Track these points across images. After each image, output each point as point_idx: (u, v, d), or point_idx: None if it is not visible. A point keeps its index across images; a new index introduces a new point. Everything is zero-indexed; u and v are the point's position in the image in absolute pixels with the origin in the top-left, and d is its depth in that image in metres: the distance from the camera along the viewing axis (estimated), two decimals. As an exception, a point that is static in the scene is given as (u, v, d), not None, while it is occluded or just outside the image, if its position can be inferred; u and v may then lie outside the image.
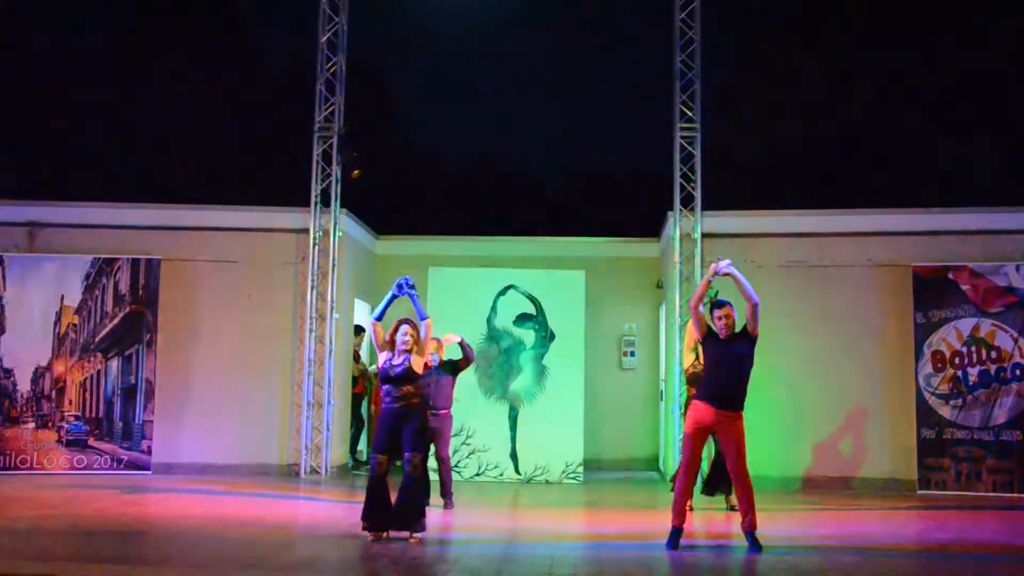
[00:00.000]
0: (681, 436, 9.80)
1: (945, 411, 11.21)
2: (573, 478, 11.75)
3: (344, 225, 12.51)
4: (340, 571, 6.66)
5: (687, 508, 7.74)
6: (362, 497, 7.88)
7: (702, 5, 12.08)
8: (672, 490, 8.68)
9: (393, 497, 7.69)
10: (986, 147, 19.26)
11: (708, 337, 7.58)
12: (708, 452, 9.65)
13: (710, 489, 9.64)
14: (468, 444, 11.80)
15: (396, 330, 7.83)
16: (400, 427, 7.69)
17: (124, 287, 12.00)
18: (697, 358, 9.40)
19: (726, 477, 8.92)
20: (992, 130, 19.39)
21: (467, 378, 11.60)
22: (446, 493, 9.60)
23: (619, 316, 13.88)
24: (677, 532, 7.45)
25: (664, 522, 7.81)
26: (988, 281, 11.28)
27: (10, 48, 21.28)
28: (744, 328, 7.52)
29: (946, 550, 7.79)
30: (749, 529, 7.41)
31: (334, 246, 12.21)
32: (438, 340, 10.05)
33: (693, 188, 12.01)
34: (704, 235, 11.99)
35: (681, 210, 12.07)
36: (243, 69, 22.58)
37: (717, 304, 7.64)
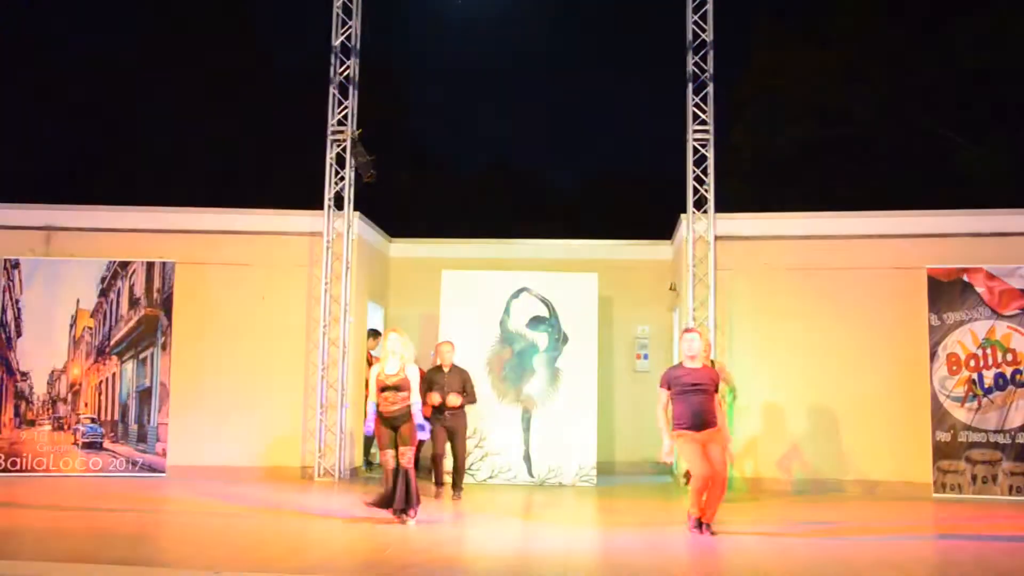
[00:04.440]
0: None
1: (960, 414, 11.16)
2: (587, 481, 11.74)
3: (357, 228, 12.54)
4: (354, 573, 6.67)
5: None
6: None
7: (714, 7, 12.07)
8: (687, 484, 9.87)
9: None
10: (1001, 148, 19.16)
11: (672, 371, 8.51)
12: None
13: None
14: (481, 447, 11.80)
15: (385, 339, 8.81)
16: (397, 426, 8.56)
17: (139, 290, 12.06)
18: None
19: None
20: (1007, 130, 19.29)
21: (481, 381, 11.65)
22: (457, 486, 10.46)
23: (632, 319, 13.86)
24: (698, 520, 8.21)
25: (676, 523, 8.14)
26: (1003, 283, 11.22)
27: (25, 52, 21.42)
28: (711, 364, 8.55)
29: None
30: (709, 521, 8.16)
31: (347, 249, 12.24)
32: (451, 343, 10.47)
33: (706, 190, 12.00)
34: (717, 237, 11.97)
35: (694, 212, 12.05)
36: (256, 72, 22.67)
37: (686, 329, 8.70)
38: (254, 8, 24.34)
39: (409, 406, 8.59)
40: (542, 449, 11.84)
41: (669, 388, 8.38)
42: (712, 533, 8.10)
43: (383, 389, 8.57)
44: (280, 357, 12.13)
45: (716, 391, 8.37)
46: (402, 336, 8.72)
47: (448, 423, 10.41)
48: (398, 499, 8.46)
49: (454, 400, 10.35)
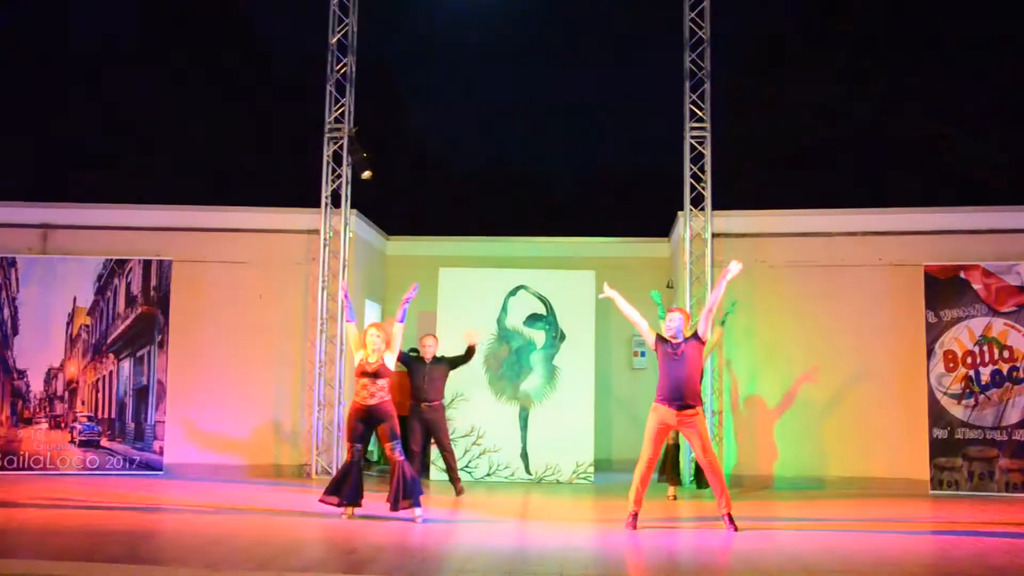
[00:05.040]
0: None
1: (957, 411, 11.18)
2: (584, 478, 11.75)
3: (354, 226, 12.54)
4: (350, 571, 6.67)
5: (643, 496, 8.45)
6: (373, 498, 8.62)
7: (712, 4, 12.07)
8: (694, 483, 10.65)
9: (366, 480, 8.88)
10: (999, 145, 19.18)
11: (658, 341, 8.45)
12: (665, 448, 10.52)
13: (698, 481, 10.78)
14: (479, 444, 11.81)
15: (366, 333, 8.71)
16: (376, 419, 8.55)
17: (136, 288, 12.05)
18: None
19: (677, 468, 10.58)
20: (1005, 127, 19.31)
21: (478, 378, 11.67)
22: (454, 479, 10.52)
23: (630, 316, 13.84)
24: (635, 516, 8.26)
25: (677, 522, 8.20)
26: (1000, 280, 11.24)
27: (21, 49, 21.39)
28: (694, 332, 8.39)
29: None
30: (726, 512, 8.17)
31: (344, 247, 12.24)
32: (434, 336, 10.48)
33: (703, 188, 12.00)
34: (714, 235, 11.98)
35: (691, 210, 12.06)
36: (253, 70, 22.66)
37: (670, 309, 8.70)
38: (252, 6, 24.31)
39: (388, 400, 8.61)
40: (539, 446, 11.84)
41: (655, 338, 8.39)
42: (736, 528, 8.14)
43: (362, 375, 8.56)
44: (277, 355, 12.13)
45: (703, 344, 8.38)
46: (380, 332, 8.72)
47: (425, 415, 10.37)
48: (391, 494, 8.46)
49: (473, 337, 10.62)
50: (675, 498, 10.32)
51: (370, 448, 13.58)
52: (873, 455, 11.45)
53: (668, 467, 10.52)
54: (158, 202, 12.90)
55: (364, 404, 8.57)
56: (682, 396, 8.23)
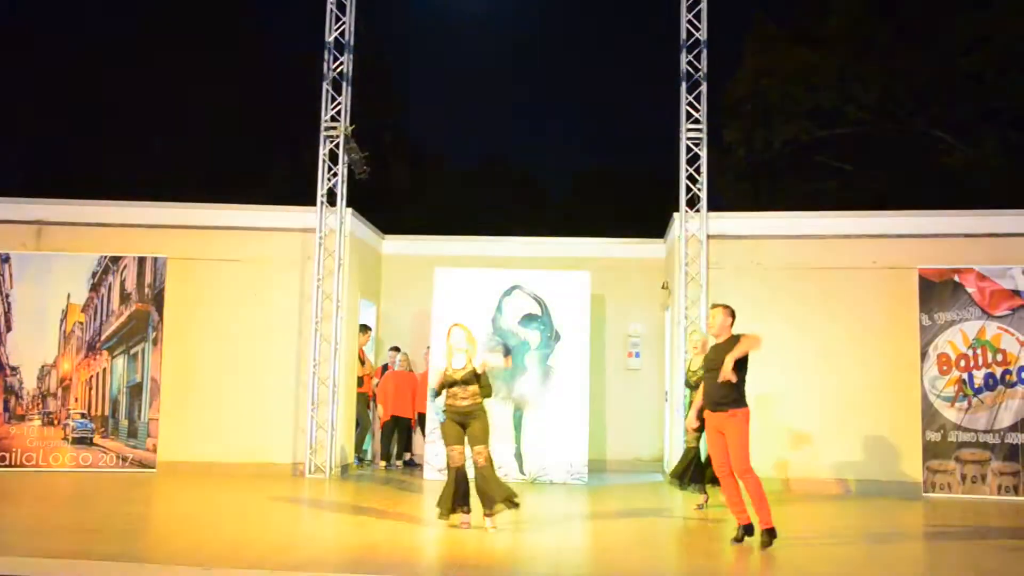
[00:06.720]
0: (685, 437, 10.03)
1: (950, 414, 11.20)
2: (578, 479, 11.75)
3: (350, 224, 12.52)
4: (344, 570, 6.66)
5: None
6: (367, 497, 8.33)
7: (708, 5, 12.08)
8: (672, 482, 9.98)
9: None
10: (993, 148, 19.22)
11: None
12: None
13: (683, 483, 9.81)
14: (473, 444, 11.79)
15: (449, 335, 8.44)
16: (466, 424, 8.31)
17: (130, 285, 12.03)
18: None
19: (699, 475, 9.64)
20: (999, 131, 19.35)
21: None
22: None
23: (625, 317, 13.87)
24: (745, 527, 7.73)
25: (666, 521, 8.15)
26: (994, 284, 11.27)
27: (17, 46, 21.35)
28: (732, 337, 7.87)
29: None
30: (765, 526, 7.52)
31: (340, 245, 12.23)
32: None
33: (699, 189, 12.01)
34: (710, 236, 11.98)
35: (687, 211, 12.07)
36: (249, 68, 22.64)
37: (712, 306, 8.33)
38: (249, 4, 24.32)
39: (480, 402, 8.36)
40: (533, 447, 11.84)
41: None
42: (768, 544, 7.52)
43: (451, 384, 8.31)
44: (272, 353, 12.11)
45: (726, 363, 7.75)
46: (467, 330, 8.46)
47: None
48: (487, 500, 8.23)
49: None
50: (700, 507, 9.70)
51: (364, 448, 13.58)
52: (866, 457, 11.46)
53: (691, 474, 9.78)
54: (153, 199, 12.88)
55: (456, 406, 8.32)
56: (711, 402, 7.79)
